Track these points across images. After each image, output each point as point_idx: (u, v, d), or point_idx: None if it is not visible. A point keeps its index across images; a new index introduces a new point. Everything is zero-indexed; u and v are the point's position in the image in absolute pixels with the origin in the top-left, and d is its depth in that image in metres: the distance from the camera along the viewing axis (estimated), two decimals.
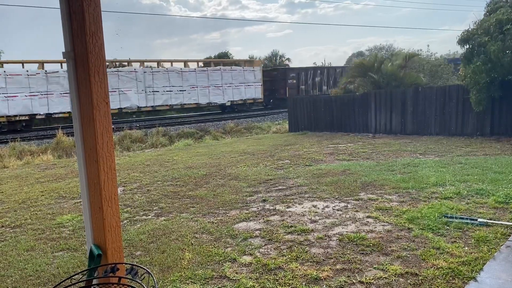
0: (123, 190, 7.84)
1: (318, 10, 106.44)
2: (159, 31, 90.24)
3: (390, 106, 14.23)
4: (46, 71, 22.71)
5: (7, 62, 23.73)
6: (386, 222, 5.22)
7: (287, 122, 18.34)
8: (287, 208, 6.09)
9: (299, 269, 4.05)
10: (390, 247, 4.44)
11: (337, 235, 4.88)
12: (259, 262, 4.24)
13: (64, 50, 2.53)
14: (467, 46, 11.74)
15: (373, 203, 6.03)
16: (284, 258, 4.32)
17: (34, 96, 22.11)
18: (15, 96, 21.51)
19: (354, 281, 3.77)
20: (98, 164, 2.42)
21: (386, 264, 4.03)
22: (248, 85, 30.65)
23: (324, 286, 3.71)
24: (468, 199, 5.95)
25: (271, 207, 6.16)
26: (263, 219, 5.64)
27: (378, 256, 4.24)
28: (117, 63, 27.71)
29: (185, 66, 29.03)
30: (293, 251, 4.48)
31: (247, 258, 4.38)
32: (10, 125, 22.01)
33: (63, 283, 2.26)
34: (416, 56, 18.00)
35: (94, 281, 2.36)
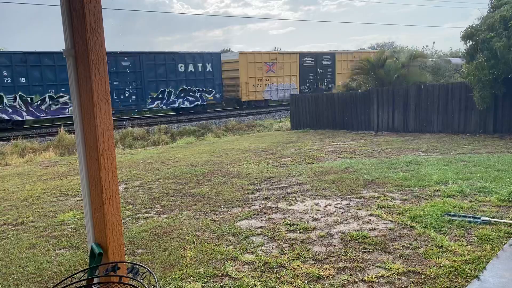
0: (125, 188, 7.84)
1: (321, 7, 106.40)
2: (162, 29, 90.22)
3: (392, 104, 14.17)
4: None
5: None
6: (389, 220, 5.20)
7: (289, 119, 18.31)
8: (289, 206, 6.07)
9: (301, 267, 4.03)
10: (392, 245, 4.43)
11: (339, 233, 4.87)
12: (261, 260, 4.23)
13: (64, 48, 2.52)
14: (471, 42, 11.66)
15: (375, 201, 6.00)
16: (286, 256, 4.30)
17: None
18: None
19: (357, 279, 3.75)
20: (99, 162, 2.40)
21: (389, 263, 4.01)
22: None
23: (326, 284, 3.69)
24: (471, 197, 5.92)
25: (273, 205, 6.15)
26: (265, 217, 5.63)
27: (380, 255, 4.23)
28: None
29: None
30: (295, 249, 4.47)
31: (249, 256, 4.37)
32: None
33: (64, 281, 2.24)
34: (421, 56, 17.91)
35: (95, 280, 2.35)
